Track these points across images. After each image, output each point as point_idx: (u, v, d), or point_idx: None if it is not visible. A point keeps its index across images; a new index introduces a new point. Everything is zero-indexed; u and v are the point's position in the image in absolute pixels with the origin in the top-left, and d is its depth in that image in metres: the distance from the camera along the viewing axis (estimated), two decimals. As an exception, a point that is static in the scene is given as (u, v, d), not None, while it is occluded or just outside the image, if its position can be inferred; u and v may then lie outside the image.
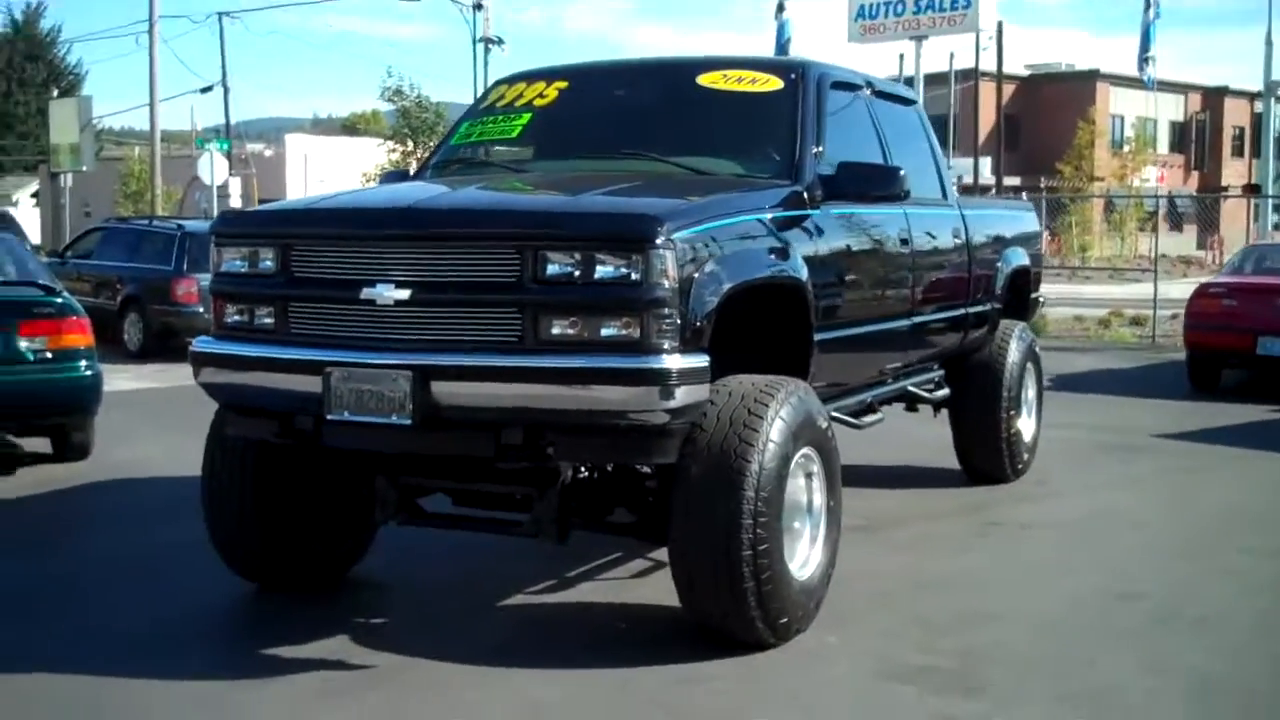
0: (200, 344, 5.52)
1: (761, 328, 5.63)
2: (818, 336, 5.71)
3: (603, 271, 4.75)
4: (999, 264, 8.31)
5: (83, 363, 8.50)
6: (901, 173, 6.01)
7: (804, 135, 6.03)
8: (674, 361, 4.75)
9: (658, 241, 4.72)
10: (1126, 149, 52.89)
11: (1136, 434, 10.66)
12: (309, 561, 5.98)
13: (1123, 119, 58.87)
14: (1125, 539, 7.22)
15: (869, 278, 6.41)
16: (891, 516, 7.63)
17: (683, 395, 4.80)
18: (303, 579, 5.99)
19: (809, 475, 5.42)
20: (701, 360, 4.86)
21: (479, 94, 6.87)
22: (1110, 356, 16.98)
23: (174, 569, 6.35)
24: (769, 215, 5.58)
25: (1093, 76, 59.18)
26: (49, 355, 8.30)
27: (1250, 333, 12.69)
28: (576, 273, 4.76)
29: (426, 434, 4.93)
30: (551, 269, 4.77)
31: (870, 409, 6.77)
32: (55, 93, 47.77)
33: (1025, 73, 59.84)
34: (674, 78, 6.58)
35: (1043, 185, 48.44)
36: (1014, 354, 8.34)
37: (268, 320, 5.28)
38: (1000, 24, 51.22)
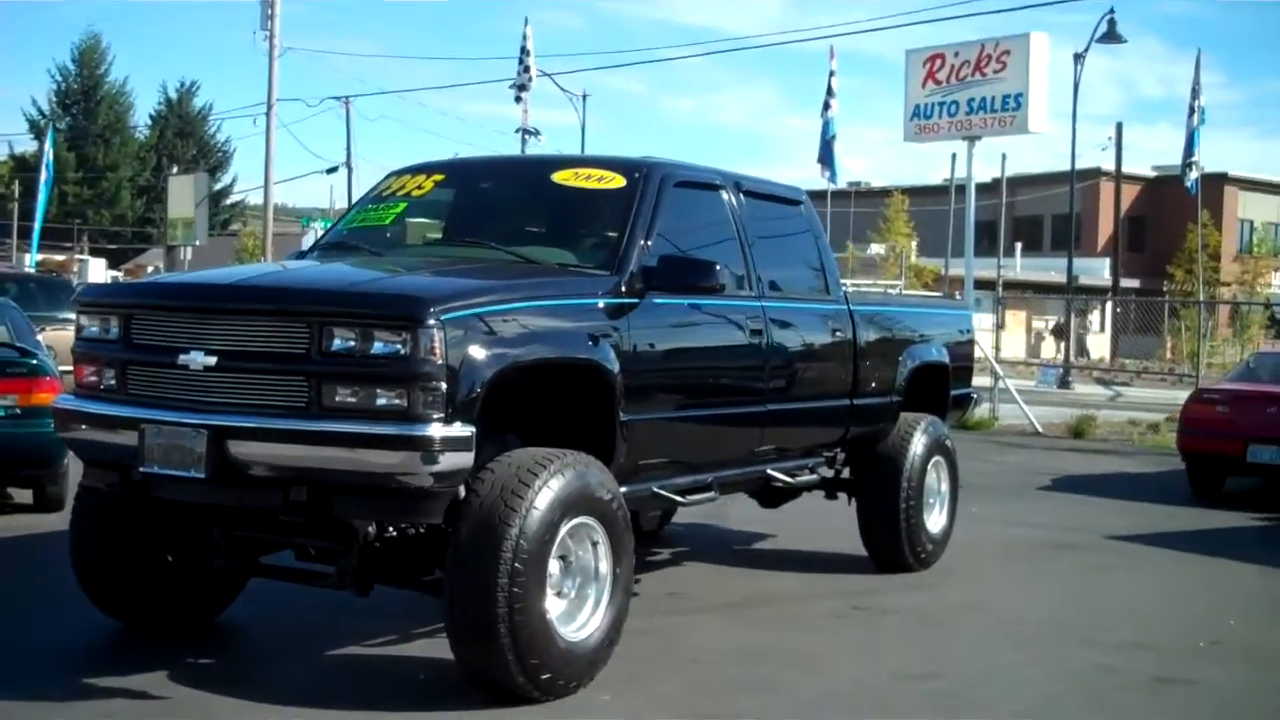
0: (59, 401, 6.19)
1: (575, 406, 6.09)
2: (627, 417, 6.12)
3: (378, 347, 5.29)
4: (901, 359, 8.60)
5: (51, 420, 9.18)
6: (718, 266, 6.40)
7: (633, 230, 6.47)
8: (438, 430, 5.24)
9: (428, 322, 5.24)
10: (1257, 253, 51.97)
11: (1090, 534, 10.69)
12: (169, 605, 6.51)
13: (1252, 223, 57.77)
14: (973, 628, 7.40)
15: (699, 365, 6.80)
16: (766, 594, 7.93)
17: (446, 461, 5.28)
18: (165, 620, 6.52)
19: (594, 544, 5.82)
20: (466, 430, 5.33)
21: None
22: (1139, 461, 16.80)
23: (58, 604, 6.92)
24: (575, 301, 6.05)
25: (1220, 179, 58.19)
26: (18, 411, 9.05)
27: (1240, 439, 12.65)
28: (356, 346, 5.30)
29: (221, 488, 5.49)
30: (336, 343, 5.32)
31: (707, 488, 7.09)
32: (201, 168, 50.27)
33: (1152, 174, 59.16)
34: (533, 174, 7.15)
35: (1164, 289, 47.94)
36: (917, 446, 8.58)
37: (112, 381, 5.90)
38: (1119, 125, 51.18)
